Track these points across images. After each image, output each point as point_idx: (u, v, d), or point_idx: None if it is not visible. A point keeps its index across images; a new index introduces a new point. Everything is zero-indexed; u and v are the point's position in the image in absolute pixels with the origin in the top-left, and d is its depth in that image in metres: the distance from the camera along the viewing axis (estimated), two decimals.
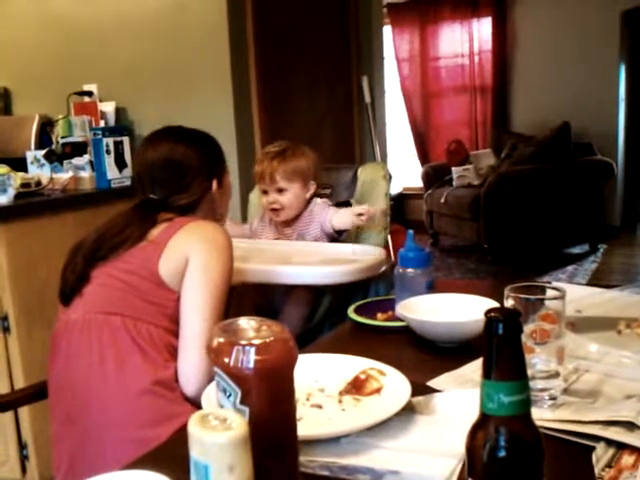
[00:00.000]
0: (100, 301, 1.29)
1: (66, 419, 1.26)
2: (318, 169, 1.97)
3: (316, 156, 1.97)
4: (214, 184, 1.47)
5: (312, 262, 1.75)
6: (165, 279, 1.28)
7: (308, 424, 0.84)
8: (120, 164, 2.65)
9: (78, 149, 2.70)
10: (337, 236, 1.94)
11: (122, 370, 1.22)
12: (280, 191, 1.89)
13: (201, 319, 1.26)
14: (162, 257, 1.28)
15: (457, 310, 1.21)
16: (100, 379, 1.23)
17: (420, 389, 0.94)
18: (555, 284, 0.95)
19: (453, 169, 5.71)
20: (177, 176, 1.41)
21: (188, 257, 1.29)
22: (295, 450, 0.68)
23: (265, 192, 1.92)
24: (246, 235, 2.04)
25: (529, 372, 0.59)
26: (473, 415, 0.59)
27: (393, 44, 6.63)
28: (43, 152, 2.64)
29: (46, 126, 3.01)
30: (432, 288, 1.32)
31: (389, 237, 2.20)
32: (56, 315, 1.36)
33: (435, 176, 5.93)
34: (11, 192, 2.26)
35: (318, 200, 1.96)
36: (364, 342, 1.26)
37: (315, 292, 1.86)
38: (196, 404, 1.19)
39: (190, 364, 1.25)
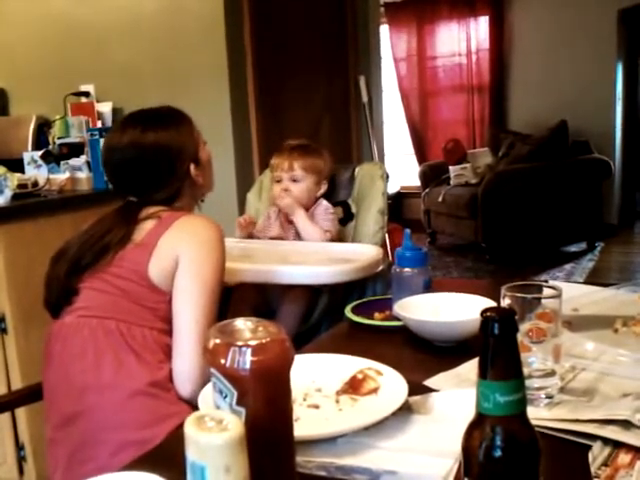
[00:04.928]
0: (94, 305, 1.27)
1: (62, 423, 1.25)
2: (330, 173, 2.01)
3: (331, 161, 2.02)
4: (192, 168, 1.41)
5: (309, 262, 1.75)
6: (156, 281, 1.26)
7: (305, 424, 0.84)
8: None
9: (75, 150, 2.70)
10: None
11: (117, 373, 1.21)
12: (294, 181, 1.92)
13: (194, 320, 1.25)
14: (152, 259, 1.26)
15: (454, 309, 1.21)
16: (96, 382, 1.21)
17: (417, 389, 0.94)
18: (552, 283, 0.95)
19: (450, 168, 5.71)
20: (150, 174, 1.36)
21: (178, 257, 1.26)
22: (292, 450, 0.68)
23: (278, 181, 1.95)
24: (251, 236, 2.03)
25: (525, 371, 0.59)
26: (470, 415, 0.59)
27: (390, 43, 6.62)
28: (40, 153, 2.64)
29: (43, 127, 3.01)
30: (429, 287, 1.32)
31: (387, 236, 2.20)
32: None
33: (433, 175, 5.93)
34: (8, 193, 2.26)
35: (324, 202, 1.97)
36: (361, 342, 1.26)
37: (312, 292, 1.85)
38: (192, 403, 1.19)
39: (184, 366, 1.24)
